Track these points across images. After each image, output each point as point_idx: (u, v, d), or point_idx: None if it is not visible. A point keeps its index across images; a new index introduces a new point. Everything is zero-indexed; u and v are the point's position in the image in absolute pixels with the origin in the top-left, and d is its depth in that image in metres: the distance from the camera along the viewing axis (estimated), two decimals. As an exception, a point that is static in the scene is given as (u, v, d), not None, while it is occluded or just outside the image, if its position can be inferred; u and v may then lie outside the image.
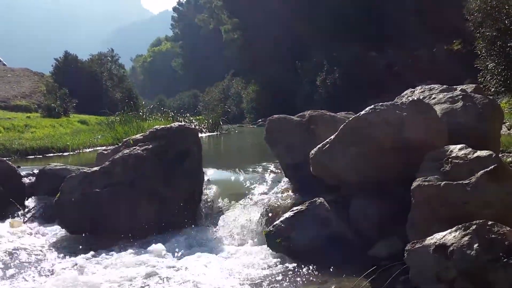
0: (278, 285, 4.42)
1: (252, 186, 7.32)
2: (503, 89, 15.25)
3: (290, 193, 6.47)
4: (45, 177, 8.03)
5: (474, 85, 6.57)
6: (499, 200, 3.93)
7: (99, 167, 6.93)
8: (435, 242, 3.57)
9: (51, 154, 14.16)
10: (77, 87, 33.87)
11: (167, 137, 7.13)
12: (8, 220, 7.25)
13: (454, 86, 6.24)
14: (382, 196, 5.15)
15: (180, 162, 6.99)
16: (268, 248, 5.34)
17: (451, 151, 4.52)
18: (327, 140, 5.48)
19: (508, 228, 3.41)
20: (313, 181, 5.88)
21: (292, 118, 6.81)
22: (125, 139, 7.74)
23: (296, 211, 5.40)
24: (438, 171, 4.39)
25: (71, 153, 14.74)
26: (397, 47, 33.73)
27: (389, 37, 34.59)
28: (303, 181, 6.32)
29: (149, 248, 5.70)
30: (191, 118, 29.53)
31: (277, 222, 5.40)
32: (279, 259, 5.11)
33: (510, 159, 6.80)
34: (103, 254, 5.59)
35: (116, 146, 8.24)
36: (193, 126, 8.39)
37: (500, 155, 6.28)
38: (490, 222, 3.46)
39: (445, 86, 6.25)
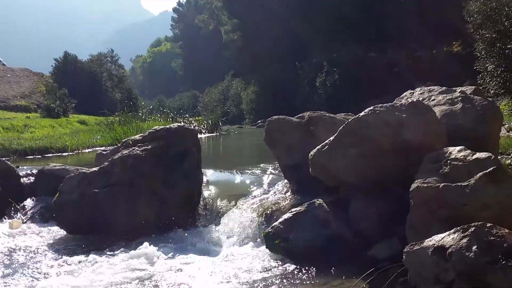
0: (276, 286, 4.42)
1: (251, 187, 7.32)
2: (502, 91, 15.25)
3: (289, 194, 6.47)
4: (44, 177, 8.03)
5: (473, 87, 6.57)
6: (497, 202, 3.92)
7: (98, 167, 6.93)
8: (434, 244, 3.57)
9: (50, 154, 14.15)
10: (76, 87, 33.93)
11: (166, 138, 7.13)
12: (7, 220, 7.26)
13: (454, 88, 6.24)
14: (381, 197, 5.15)
15: (179, 163, 6.99)
16: (267, 249, 5.34)
17: (450, 152, 4.52)
18: (327, 141, 5.48)
19: (507, 230, 3.41)
20: (312, 182, 5.88)
21: (292, 119, 6.81)
22: (124, 140, 7.75)
23: (295, 212, 5.39)
24: (437, 173, 4.39)
25: (70, 153, 14.73)
26: (397, 48, 33.73)
27: (388, 38, 34.57)
28: (302, 182, 6.32)
29: (147, 249, 5.69)
30: (191, 118, 29.59)
31: (276, 223, 5.40)
32: (277, 260, 5.11)
33: (509, 161, 6.80)
34: (101, 255, 5.60)
35: (115, 146, 8.24)
36: (192, 127, 8.40)
37: (499, 157, 6.29)
38: (488, 224, 3.46)
39: (444, 87, 6.25)
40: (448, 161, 4.42)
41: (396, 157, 5.02)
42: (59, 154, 14.43)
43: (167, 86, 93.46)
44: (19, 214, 7.58)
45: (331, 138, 5.42)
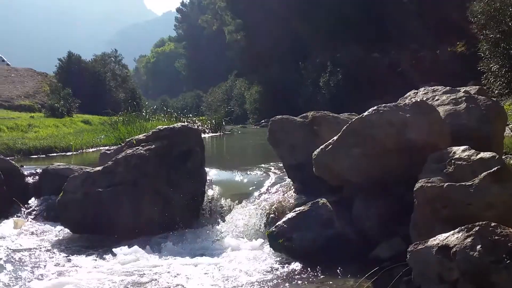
0: (280, 285, 4.42)
1: (255, 187, 7.32)
2: (506, 91, 15.25)
3: (293, 193, 6.47)
4: (48, 177, 8.05)
5: (477, 86, 6.56)
6: (502, 202, 3.92)
7: (102, 167, 6.94)
8: (438, 243, 3.57)
9: (54, 154, 14.19)
10: (80, 87, 34.03)
11: (170, 138, 7.13)
12: (12, 219, 7.27)
13: (458, 88, 6.23)
14: (385, 197, 5.15)
15: (183, 163, 7.00)
16: (271, 248, 5.34)
17: (454, 152, 4.52)
18: (330, 141, 5.47)
19: (511, 230, 3.40)
20: (316, 181, 5.88)
21: (295, 118, 6.81)
22: (128, 139, 7.76)
23: (298, 211, 5.40)
24: (441, 173, 4.38)
25: (74, 153, 14.77)
26: (400, 48, 33.70)
27: (392, 38, 34.56)
28: (306, 182, 6.32)
29: (150, 248, 5.71)
30: (194, 118, 29.57)
31: (279, 222, 5.40)
32: (281, 260, 5.12)
33: (513, 161, 6.78)
34: (104, 254, 5.62)
35: (119, 146, 8.25)
36: (196, 127, 8.40)
37: (503, 157, 6.27)
38: (493, 224, 3.45)
39: (448, 87, 6.24)
40: (452, 161, 4.41)
41: (399, 157, 5.02)
42: (63, 153, 14.47)
43: (170, 86, 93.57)
44: (23, 213, 7.61)
45: (335, 137, 5.42)
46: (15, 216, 7.47)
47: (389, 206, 5.07)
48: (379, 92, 25.34)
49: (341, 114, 7.01)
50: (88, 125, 24.60)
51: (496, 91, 15.44)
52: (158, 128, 7.44)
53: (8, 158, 9.12)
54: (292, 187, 6.70)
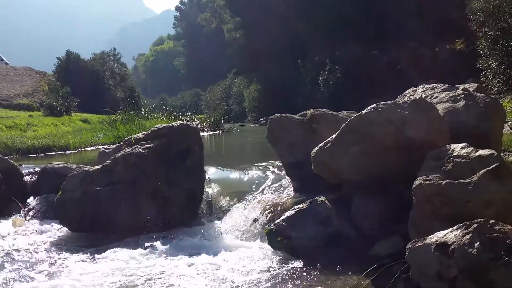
0: (279, 283, 4.42)
1: (254, 185, 7.32)
2: (505, 88, 15.26)
3: (292, 191, 6.48)
4: (47, 176, 8.04)
5: (476, 84, 6.57)
6: (500, 199, 3.92)
7: (100, 165, 6.94)
8: (437, 241, 3.57)
9: (53, 153, 14.18)
10: (79, 85, 34.02)
11: (168, 136, 7.13)
12: (11, 219, 7.28)
13: (456, 85, 6.23)
14: (384, 194, 5.15)
15: (181, 161, 7.00)
16: (270, 246, 5.34)
17: (453, 150, 4.52)
18: (329, 138, 5.47)
19: (510, 227, 3.41)
20: (315, 179, 5.88)
21: (294, 117, 6.80)
22: (126, 138, 7.75)
23: (297, 209, 5.40)
24: (440, 170, 4.39)
25: (73, 151, 14.75)
26: (399, 46, 33.68)
27: (391, 36, 34.53)
28: (304, 180, 6.32)
29: (149, 247, 5.71)
30: (193, 117, 29.53)
31: (278, 220, 5.40)
32: (280, 258, 5.12)
33: (511, 158, 6.79)
34: (103, 253, 5.61)
35: (118, 144, 8.25)
36: (195, 125, 8.39)
37: (502, 154, 6.28)
38: (491, 221, 3.46)
39: (447, 85, 6.24)
40: (451, 158, 4.41)
41: (398, 155, 5.02)
42: (61, 152, 14.46)
43: (169, 85, 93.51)
44: (22, 212, 7.61)
45: (334, 135, 5.42)
46: (14, 215, 7.46)
47: (387, 204, 5.07)
48: (378, 90, 25.34)
49: (340, 112, 7.01)
50: (86, 124, 24.60)
51: (495, 89, 15.44)
52: (157, 127, 7.43)
53: (6, 157, 9.12)
54: (291, 185, 6.71)
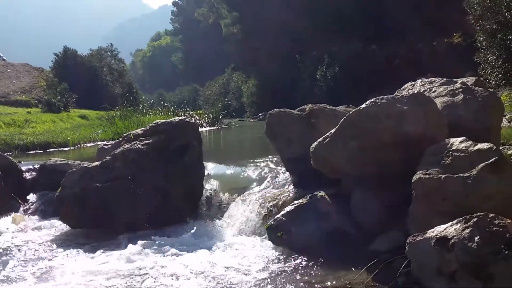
0: (279, 278, 4.43)
1: (253, 180, 7.33)
2: (503, 82, 15.26)
3: (291, 187, 6.48)
4: (46, 172, 8.04)
5: (474, 78, 6.57)
6: (499, 193, 3.93)
7: (99, 162, 6.94)
8: (436, 235, 3.58)
9: (52, 149, 14.18)
10: (77, 82, 33.94)
11: (167, 132, 7.13)
12: (10, 215, 7.27)
13: (455, 79, 6.23)
14: (383, 189, 5.15)
15: (180, 157, 7.00)
16: (270, 242, 5.35)
17: (452, 144, 4.52)
18: (328, 133, 5.47)
19: (509, 221, 3.42)
20: (314, 174, 5.88)
21: (293, 112, 6.80)
22: (125, 134, 7.74)
23: (297, 205, 5.41)
24: (439, 164, 4.39)
25: (71, 148, 14.76)
26: (397, 40, 33.67)
27: (389, 31, 34.52)
28: (304, 175, 6.32)
29: (148, 243, 5.71)
30: (192, 112, 29.54)
31: (278, 216, 5.42)
32: (280, 253, 5.13)
33: (510, 151, 6.80)
34: (102, 249, 5.62)
35: (117, 141, 8.24)
36: (193, 121, 8.38)
37: (500, 148, 6.28)
38: (491, 215, 3.47)
39: (445, 79, 6.24)
40: (450, 153, 4.42)
41: (397, 149, 5.02)
42: (60, 149, 14.47)
43: (167, 80, 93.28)
44: (21, 209, 7.61)
45: (332, 130, 5.42)
46: (14, 212, 7.46)
47: (387, 198, 5.08)
48: (376, 84, 25.37)
49: (338, 107, 7.00)
50: (85, 120, 24.58)
51: (493, 82, 15.44)
52: (155, 123, 7.42)
53: (5, 154, 9.12)
54: (290, 180, 6.71)
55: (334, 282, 4.19)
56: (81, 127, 19.79)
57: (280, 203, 6.03)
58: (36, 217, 7.36)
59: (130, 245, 5.61)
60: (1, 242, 5.99)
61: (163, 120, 7.54)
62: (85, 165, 7.10)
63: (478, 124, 5.47)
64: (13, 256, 5.47)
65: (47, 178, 7.91)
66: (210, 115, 27.53)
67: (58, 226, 6.81)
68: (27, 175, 8.37)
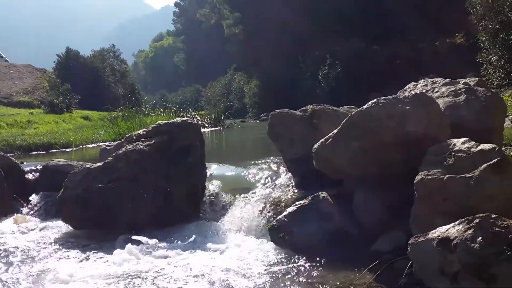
0: (281, 279, 4.43)
1: (255, 181, 7.33)
2: (506, 82, 15.24)
3: (293, 187, 6.48)
4: (49, 173, 8.05)
5: (477, 78, 6.55)
6: (502, 193, 3.92)
7: (102, 162, 6.94)
8: (439, 236, 3.57)
9: (54, 150, 14.19)
10: (79, 82, 34.05)
11: (170, 133, 7.12)
12: (12, 216, 7.28)
13: (457, 80, 6.22)
14: (385, 190, 5.14)
15: (183, 158, 7.00)
16: (272, 242, 5.35)
17: (454, 144, 4.51)
18: (330, 134, 5.47)
19: (512, 221, 3.41)
20: (316, 175, 5.88)
21: (295, 112, 6.80)
22: (128, 135, 7.74)
23: (299, 205, 5.40)
24: (441, 165, 4.38)
25: (74, 149, 14.77)
26: (399, 40, 33.65)
27: (391, 31, 34.53)
28: (306, 176, 6.32)
29: (150, 244, 5.71)
30: (194, 113, 29.54)
31: (280, 216, 5.41)
32: (282, 254, 5.12)
33: (513, 152, 6.78)
34: (104, 250, 5.61)
35: (119, 141, 8.25)
36: (195, 121, 8.39)
37: (503, 148, 6.28)
38: (493, 215, 3.46)
39: (447, 79, 6.23)
40: (452, 153, 4.41)
41: (399, 150, 5.01)
42: (63, 149, 14.48)
43: (169, 81, 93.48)
44: (24, 209, 7.62)
45: (335, 131, 5.41)
46: (16, 213, 7.47)
47: (389, 199, 5.07)
48: (378, 85, 25.37)
49: (340, 107, 7.00)
50: (87, 121, 24.63)
51: (496, 82, 15.43)
52: (158, 123, 7.42)
53: (8, 154, 9.13)
54: (292, 181, 6.71)
55: (337, 283, 4.19)
56: (83, 128, 19.82)
57: (282, 203, 6.03)
58: (38, 218, 7.36)
59: (131, 246, 5.60)
60: (2, 243, 5.99)
61: (166, 121, 7.53)
62: (87, 166, 7.11)
63: (481, 124, 5.46)
64: (15, 257, 5.45)
65: (50, 179, 7.91)
66: (212, 115, 27.54)
67: (60, 227, 6.81)
68: (30, 176, 8.38)
